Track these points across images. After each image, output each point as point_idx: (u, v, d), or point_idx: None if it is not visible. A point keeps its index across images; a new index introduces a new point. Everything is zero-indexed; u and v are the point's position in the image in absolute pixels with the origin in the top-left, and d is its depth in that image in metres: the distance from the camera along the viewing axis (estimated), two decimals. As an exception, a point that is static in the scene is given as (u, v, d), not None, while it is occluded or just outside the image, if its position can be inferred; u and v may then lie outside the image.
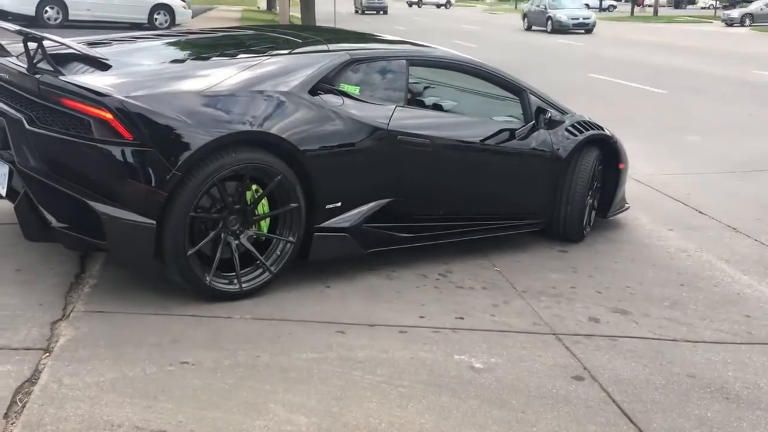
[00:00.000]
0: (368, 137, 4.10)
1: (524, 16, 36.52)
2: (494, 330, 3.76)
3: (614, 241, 5.38)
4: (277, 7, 27.73)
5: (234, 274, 3.78)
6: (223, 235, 3.74)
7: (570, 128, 5.08)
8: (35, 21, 18.17)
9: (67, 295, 3.70)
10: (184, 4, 21.88)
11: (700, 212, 6.23)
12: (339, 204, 4.05)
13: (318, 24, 20.37)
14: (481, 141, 4.68)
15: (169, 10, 21.02)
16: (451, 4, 67.55)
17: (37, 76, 3.61)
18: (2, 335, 3.25)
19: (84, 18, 19.49)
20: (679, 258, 5.10)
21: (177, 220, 3.52)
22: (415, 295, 4.10)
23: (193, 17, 23.83)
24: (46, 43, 3.66)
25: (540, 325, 3.86)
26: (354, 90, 4.21)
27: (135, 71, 3.86)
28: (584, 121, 5.24)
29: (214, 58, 4.27)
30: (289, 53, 4.37)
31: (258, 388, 3.01)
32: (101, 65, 3.81)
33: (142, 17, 20.62)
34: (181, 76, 3.87)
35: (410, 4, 68.34)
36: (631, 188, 6.09)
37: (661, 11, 55.15)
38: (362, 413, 2.90)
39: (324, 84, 4.08)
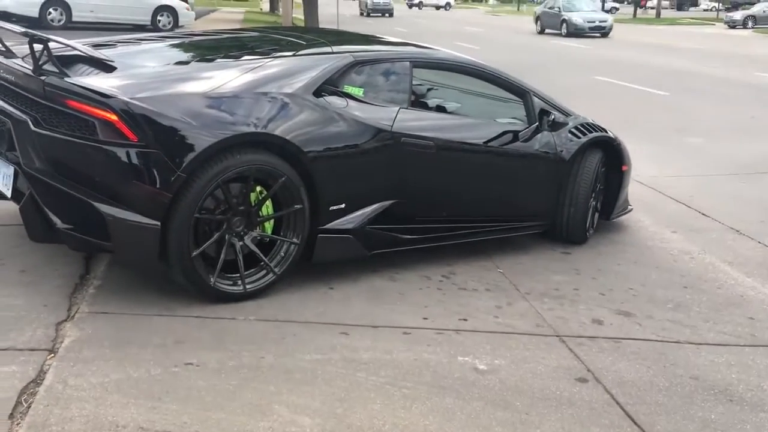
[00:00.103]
0: (372, 139, 4.11)
1: (537, 18, 34.58)
2: (498, 332, 3.77)
3: (617, 243, 5.38)
4: (280, 9, 27.76)
5: (238, 275, 3.79)
6: (227, 236, 3.75)
7: (573, 130, 5.09)
8: (39, 22, 18.19)
9: (72, 296, 3.71)
10: (187, 5, 21.90)
11: (703, 214, 6.23)
12: (343, 206, 4.06)
13: (321, 26, 20.38)
14: (484, 143, 4.69)
15: (172, 11, 21.03)
16: (450, 6, 67.61)
17: (43, 77, 3.62)
18: (7, 336, 3.26)
19: (87, 19, 19.52)
20: (683, 260, 5.10)
21: (181, 221, 3.53)
22: (419, 297, 4.10)
23: (195, 19, 23.84)
24: (51, 44, 3.67)
25: (543, 327, 3.87)
26: (358, 92, 4.22)
27: (139, 73, 3.88)
28: (587, 123, 5.25)
29: (218, 60, 4.28)
30: (293, 55, 4.38)
31: (262, 389, 3.01)
32: (106, 67, 3.83)
33: (146, 19, 20.64)
34: (186, 77, 3.89)
35: (410, 6, 68.46)
36: (634, 190, 6.09)
37: (664, 13, 55.13)
38: (366, 414, 2.91)
39: (328, 86, 4.09)
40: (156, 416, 2.76)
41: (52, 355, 3.14)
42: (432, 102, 5.22)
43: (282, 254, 3.93)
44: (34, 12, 18.76)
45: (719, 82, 16.10)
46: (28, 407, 2.75)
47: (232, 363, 3.19)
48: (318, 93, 4.02)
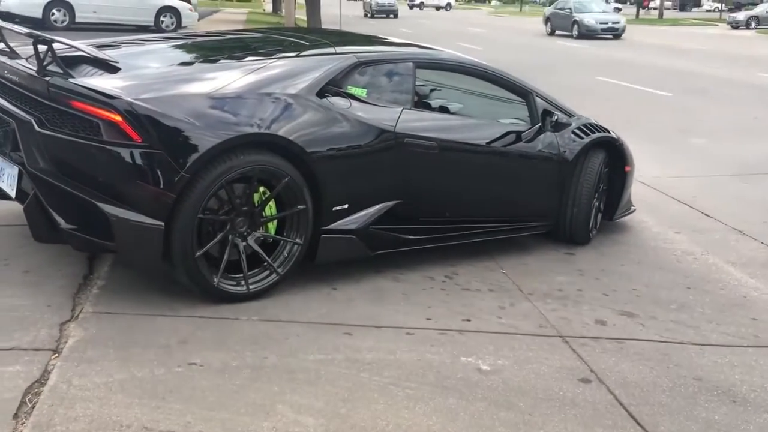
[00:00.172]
0: (375, 139, 4.11)
1: (547, 20, 33.83)
2: (501, 332, 3.77)
3: (620, 243, 5.38)
4: (283, 10, 27.78)
5: (241, 275, 3.79)
6: (230, 236, 3.76)
7: (576, 131, 5.09)
8: (42, 23, 18.24)
9: (76, 297, 3.72)
10: (190, 6, 21.92)
11: (706, 215, 6.23)
12: (346, 206, 4.07)
13: (323, 26, 20.38)
14: (487, 143, 4.69)
15: (175, 12, 21.07)
16: (451, 6, 67.61)
17: (47, 78, 3.62)
18: (12, 336, 3.27)
19: (90, 20, 19.56)
20: (686, 261, 5.10)
21: (185, 221, 3.54)
22: (422, 297, 4.10)
23: (198, 20, 23.87)
24: (55, 45, 3.67)
25: (546, 328, 3.87)
26: (361, 92, 4.23)
27: (143, 74, 3.88)
28: (590, 124, 5.25)
29: (222, 61, 4.28)
30: (297, 56, 4.38)
31: (265, 389, 3.02)
32: (110, 68, 3.83)
33: (149, 19, 20.68)
34: (189, 78, 3.90)
35: (411, 6, 68.50)
36: (637, 191, 6.09)
37: (666, 14, 55.06)
38: (369, 415, 2.91)
39: (331, 86, 4.09)
40: (160, 416, 2.76)
41: (56, 355, 3.14)
42: (435, 102, 5.23)
43: (285, 255, 3.93)
44: (37, 13, 18.81)
45: (722, 83, 16.09)
46: (33, 407, 2.76)
47: (235, 363, 3.20)
48: (321, 94, 4.02)
